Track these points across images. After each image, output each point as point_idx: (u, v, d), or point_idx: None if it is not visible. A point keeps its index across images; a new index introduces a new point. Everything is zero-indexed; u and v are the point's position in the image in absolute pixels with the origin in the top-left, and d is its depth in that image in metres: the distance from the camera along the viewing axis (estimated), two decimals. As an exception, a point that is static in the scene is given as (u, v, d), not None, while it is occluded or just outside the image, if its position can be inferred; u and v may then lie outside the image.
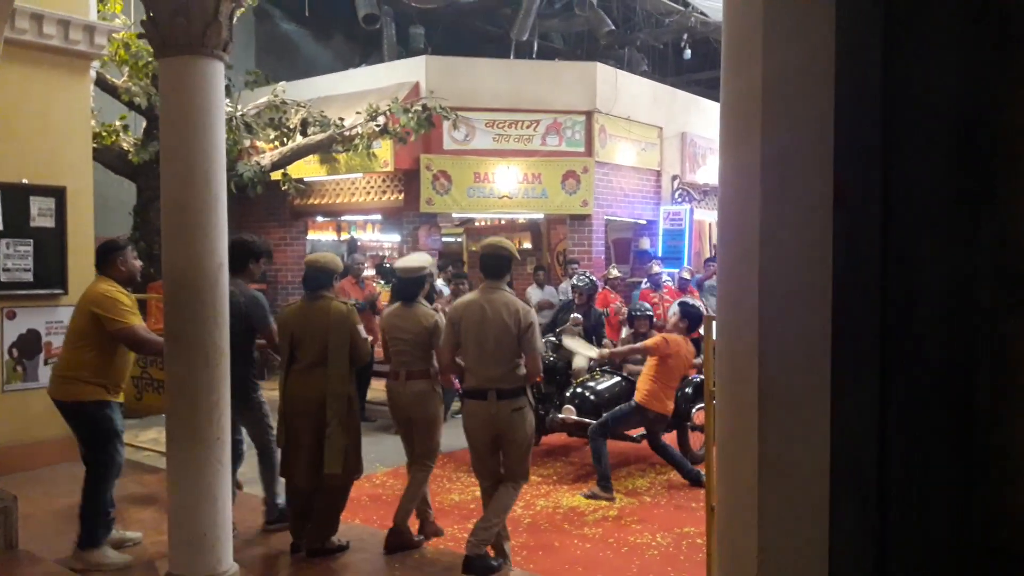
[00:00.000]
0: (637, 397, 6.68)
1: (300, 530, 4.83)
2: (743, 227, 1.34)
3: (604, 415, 6.77)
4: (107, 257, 4.63)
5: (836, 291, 1.15)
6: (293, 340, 4.75)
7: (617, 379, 7.48)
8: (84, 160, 7.25)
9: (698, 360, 6.92)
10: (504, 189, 11.83)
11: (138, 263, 4.81)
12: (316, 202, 13.05)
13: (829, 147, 1.16)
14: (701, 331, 7.00)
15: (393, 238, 15.37)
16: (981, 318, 1.07)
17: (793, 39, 1.23)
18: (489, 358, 4.48)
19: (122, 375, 4.70)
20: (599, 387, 7.30)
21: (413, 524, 5.03)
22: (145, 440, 7.65)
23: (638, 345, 7.02)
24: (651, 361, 6.73)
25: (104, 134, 9.68)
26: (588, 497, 6.30)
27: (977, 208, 1.06)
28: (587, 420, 6.88)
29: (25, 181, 6.79)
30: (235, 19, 3.17)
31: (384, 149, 11.26)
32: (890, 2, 1.11)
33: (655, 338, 6.86)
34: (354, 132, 10.56)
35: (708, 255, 13.60)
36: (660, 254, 13.01)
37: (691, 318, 6.82)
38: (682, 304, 7.26)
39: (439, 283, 10.06)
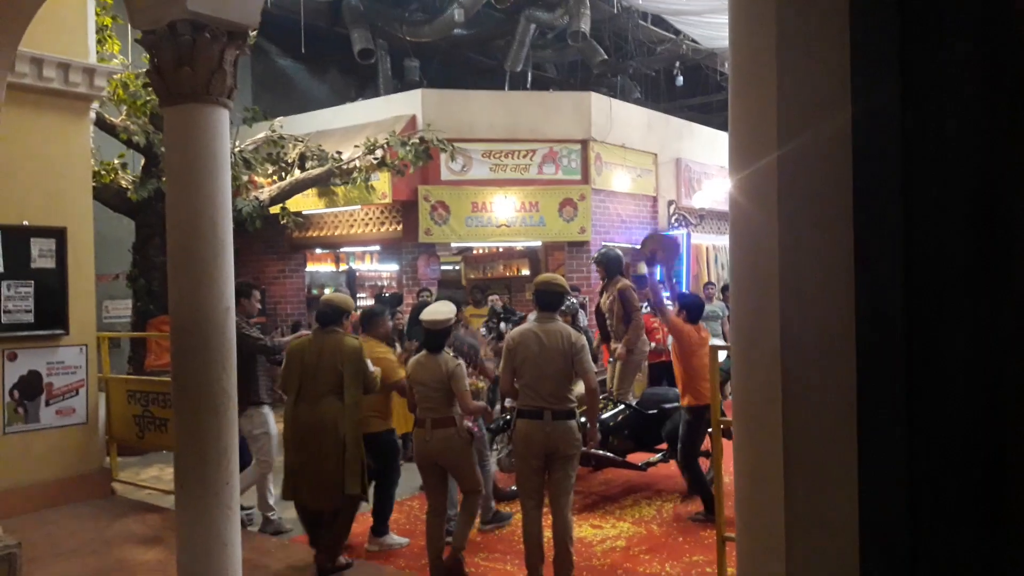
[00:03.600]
0: (689, 402, 6.47)
1: (316, 539, 5.24)
2: (760, 278, 1.36)
3: (680, 442, 6.60)
4: (374, 320, 5.97)
5: (860, 348, 1.16)
6: (304, 371, 5.08)
7: (621, 407, 7.46)
8: (84, 201, 7.27)
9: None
10: (502, 218, 11.88)
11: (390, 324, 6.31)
12: (314, 234, 13.09)
13: (848, 202, 1.18)
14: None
15: (391, 268, 15.41)
16: (1008, 378, 1.07)
17: (810, 117, 1.26)
18: (545, 381, 4.84)
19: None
20: (602, 416, 7.27)
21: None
22: (147, 478, 7.61)
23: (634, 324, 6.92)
24: (676, 361, 6.62)
25: (103, 172, 9.73)
26: (695, 520, 6.32)
27: (999, 269, 1.07)
28: (596, 451, 6.85)
29: (26, 223, 6.81)
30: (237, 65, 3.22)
31: (382, 181, 11.33)
32: (906, 70, 1.13)
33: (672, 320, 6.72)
34: (352, 165, 10.62)
35: (706, 279, 13.64)
36: (658, 279, 13.04)
37: (688, 307, 6.72)
38: (678, 296, 7.26)
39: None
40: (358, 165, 10.55)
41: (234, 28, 3.14)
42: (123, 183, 9.88)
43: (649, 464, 7.28)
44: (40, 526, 6.25)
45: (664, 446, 7.49)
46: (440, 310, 5.44)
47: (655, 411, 7.45)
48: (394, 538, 5.81)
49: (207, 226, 3.15)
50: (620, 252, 8.81)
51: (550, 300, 5.04)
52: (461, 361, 5.31)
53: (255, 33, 10.53)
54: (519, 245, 13.87)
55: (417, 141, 10.50)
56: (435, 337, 5.24)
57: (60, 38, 6.95)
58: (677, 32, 14.73)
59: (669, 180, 13.78)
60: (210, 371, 3.29)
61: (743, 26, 1.49)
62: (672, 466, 7.45)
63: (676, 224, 13.62)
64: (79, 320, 7.18)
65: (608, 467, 7.47)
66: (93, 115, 7.63)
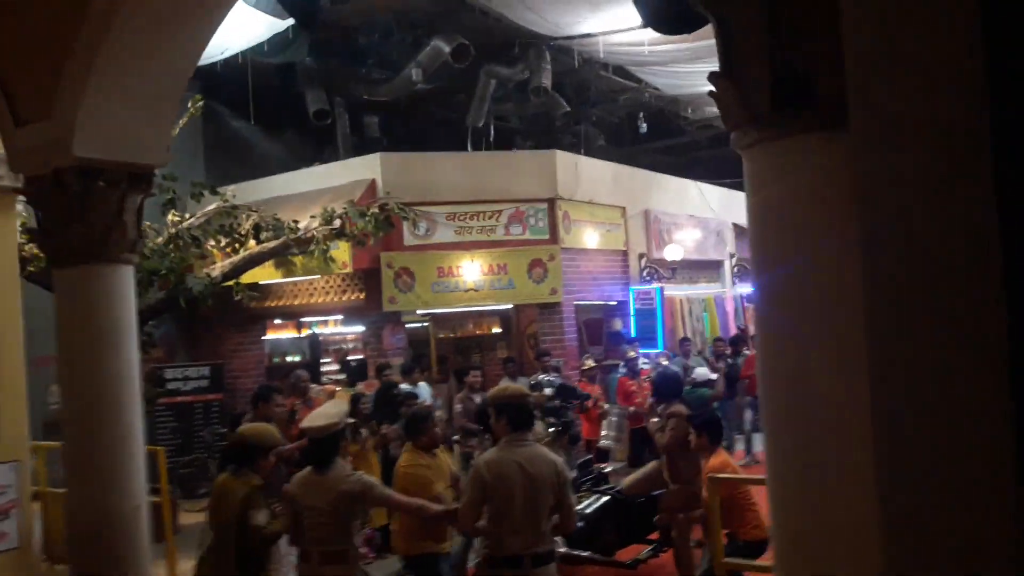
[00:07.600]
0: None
1: None
2: None
3: None
4: (419, 427, 5.15)
5: None
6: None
7: (605, 498, 6.94)
8: (12, 302, 6.63)
9: None
10: (469, 281, 11.41)
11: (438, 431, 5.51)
12: (273, 304, 12.50)
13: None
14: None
15: (357, 329, 14.81)
16: None
17: None
18: (528, 522, 4.05)
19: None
20: (586, 511, 6.71)
21: None
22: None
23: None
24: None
25: (41, 256, 9.10)
26: None
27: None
28: (578, 553, 6.31)
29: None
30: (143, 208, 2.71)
31: (342, 250, 10.78)
32: None
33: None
34: (309, 235, 10.09)
35: (682, 334, 13.22)
36: (633, 335, 12.59)
37: (709, 429, 5.70)
38: (691, 419, 6.10)
39: (423, 388, 9.49)
40: (316, 236, 10.01)
41: (137, 170, 2.62)
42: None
43: (638, 561, 6.75)
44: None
45: (656, 536, 6.97)
46: (326, 413, 4.33)
47: (643, 499, 6.94)
48: None
49: (110, 411, 2.59)
50: (676, 371, 8.35)
51: (525, 417, 4.31)
52: (364, 476, 4.32)
53: (201, 102, 10.08)
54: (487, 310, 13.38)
55: (377, 211, 10.00)
56: (321, 447, 4.14)
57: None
58: (639, 81, 14.47)
59: (639, 233, 13.42)
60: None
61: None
62: (666, 558, 6.91)
63: (648, 278, 13.24)
64: (8, 433, 6.51)
65: (589, 566, 6.91)
66: (21, 208, 7.03)
